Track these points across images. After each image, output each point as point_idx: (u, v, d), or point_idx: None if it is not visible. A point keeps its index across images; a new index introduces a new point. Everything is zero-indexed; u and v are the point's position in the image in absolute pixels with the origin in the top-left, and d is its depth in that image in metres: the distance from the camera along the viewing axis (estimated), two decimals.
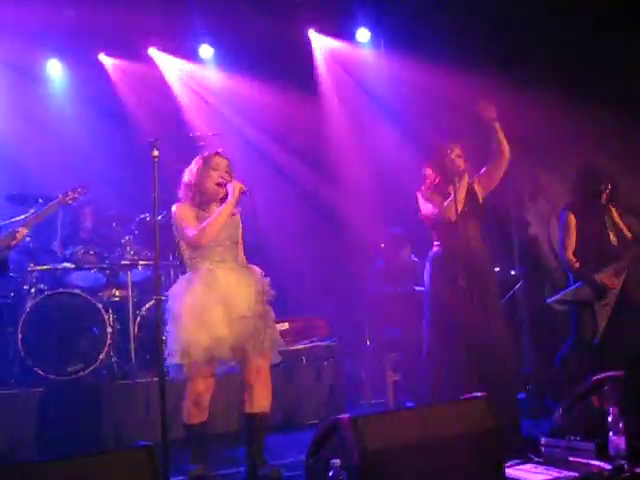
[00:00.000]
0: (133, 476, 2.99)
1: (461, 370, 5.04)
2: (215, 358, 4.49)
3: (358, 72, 8.97)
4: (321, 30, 9.02)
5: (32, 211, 6.40)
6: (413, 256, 7.61)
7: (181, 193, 4.69)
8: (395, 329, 7.23)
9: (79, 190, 5.32)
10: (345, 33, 8.99)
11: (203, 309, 4.46)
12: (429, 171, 5.44)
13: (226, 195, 4.63)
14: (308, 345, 6.96)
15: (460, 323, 5.10)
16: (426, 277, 5.46)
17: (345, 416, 3.45)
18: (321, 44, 9.04)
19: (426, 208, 5.42)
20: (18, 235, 4.85)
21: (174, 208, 4.65)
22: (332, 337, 7.21)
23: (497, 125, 5.30)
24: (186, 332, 4.43)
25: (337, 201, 8.62)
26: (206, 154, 4.74)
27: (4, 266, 4.99)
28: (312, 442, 3.64)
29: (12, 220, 6.29)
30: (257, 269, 4.77)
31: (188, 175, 4.69)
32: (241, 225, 4.82)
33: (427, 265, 5.46)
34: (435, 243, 5.46)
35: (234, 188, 4.60)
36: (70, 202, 5.33)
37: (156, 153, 4.15)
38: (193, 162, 4.72)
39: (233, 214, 4.69)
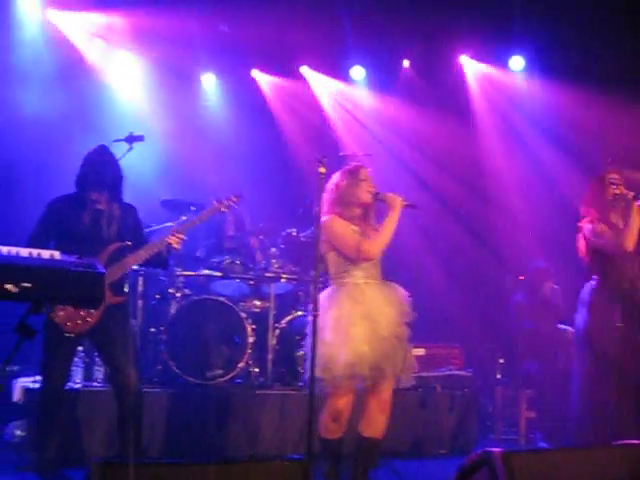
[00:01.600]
0: None
1: (615, 414, 4.84)
2: (355, 375, 4.41)
3: (511, 98, 8.89)
4: (474, 56, 9.00)
5: (183, 217, 6.62)
6: (556, 286, 7.41)
7: (327, 207, 4.65)
8: (533, 365, 7.04)
9: (233, 199, 5.35)
10: (498, 60, 8.93)
11: (348, 324, 4.42)
12: (591, 202, 5.26)
13: (369, 206, 4.67)
14: (443, 373, 6.86)
15: (614, 365, 4.90)
16: (581, 315, 5.27)
17: (497, 450, 3.36)
18: (473, 69, 9.01)
19: (596, 239, 5.16)
20: (174, 240, 4.96)
21: (327, 220, 4.62)
22: (467, 367, 7.09)
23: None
24: (328, 346, 4.39)
25: (483, 229, 8.52)
26: (352, 167, 4.73)
27: (164, 262, 5.13)
28: (459, 472, 3.55)
29: (164, 225, 6.57)
30: (401, 289, 4.72)
31: (335, 190, 4.67)
32: None
33: (584, 302, 5.26)
34: (594, 279, 5.26)
35: (395, 201, 4.60)
36: (224, 210, 5.37)
37: (322, 170, 4.19)
38: (336, 177, 4.70)
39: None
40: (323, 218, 4.62)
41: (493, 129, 8.83)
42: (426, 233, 8.50)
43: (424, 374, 6.71)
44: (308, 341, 4.53)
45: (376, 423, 4.57)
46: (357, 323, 4.44)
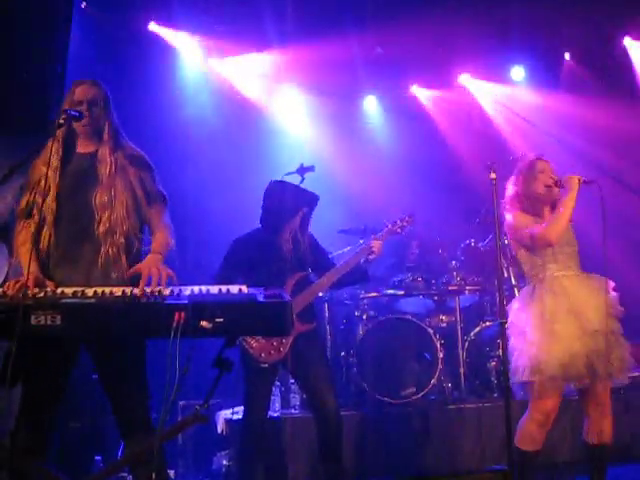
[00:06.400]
0: None
1: None
2: (569, 375, 4.19)
3: None
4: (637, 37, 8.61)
5: (361, 241, 6.72)
6: None
7: (509, 206, 4.57)
8: None
9: (406, 219, 5.46)
10: None
11: (553, 320, 4.23)
12: None
13: (550, 199, 4.50)
14: None
15: None
16: None
17: None
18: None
19: None
20: (375, 249, 5.11)
21: (508, 217, 4.53)
22: None
23: None
24: (535, 346, 4.20)
25: None
26: (528, 160, 4.61)
27: (364, 275, 5.28)
28: None
29: (343, 251, 6.67)
30: (605, 279, 4.41)
31: (513, 186, 4.59)
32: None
33: None
34: None
35: (570, 181, 4.39)
36: (399, 231, 5.48)
37: (493, 176, 4.14)
38: (516, 172, 4.63)
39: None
40: (506, 217, 4.54)
41: None
42: (619, 223, 8.13)
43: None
44: (509, 346, 4.37)
45: (600, 429, 4.32)
46: (562, 319, 4.23)
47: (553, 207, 4.51)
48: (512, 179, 4.64)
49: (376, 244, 5.12)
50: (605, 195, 4.25)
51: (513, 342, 4.37)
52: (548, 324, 4.22)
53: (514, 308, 4.52)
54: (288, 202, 5.03)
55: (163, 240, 3.67)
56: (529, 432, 4.29)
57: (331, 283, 5.06)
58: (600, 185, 4.35)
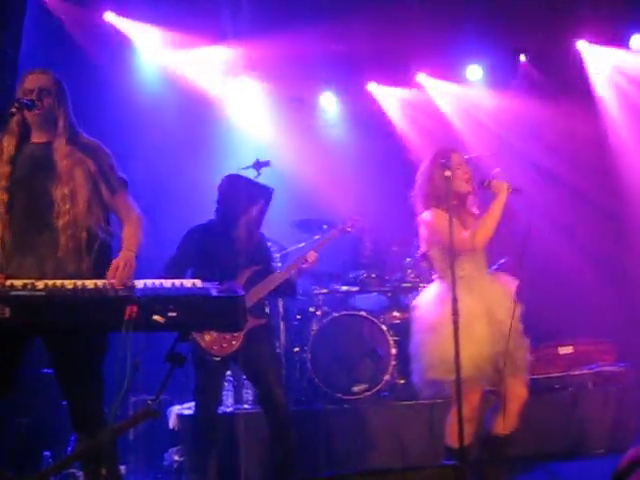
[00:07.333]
0: None
1: None
2: (479, 377, 4.20)
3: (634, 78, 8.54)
4: (592, 40, 8.69)
5: (316, 237, 6.73)
6: None
7: (421, 202, 4.51)
8: None
9: (356, 218, 5.57)
10: (619, 40, 8.57)
11: (471, 320, 4.17)
12: None
13: (470, 194, 4.48)
14: (594, 370, 6.59)
15: None
16: None
17: None
18: (593, 54, 8.70)
19: None
20: (309, 258, 5.13)
21: (426, 215, 4.44)
22: (620, 362, 6.79)
23: None
24: (449, 343, 4.01)
25: (623, 213, 8.18)
26: (442, 154, 4.43)
27: (293, 289, 5.31)
28: (615, 474, 3.36)
29: (297, 247, 6.69)
30: (508, 277, 4.46)
31: (427, 182, 4.48)
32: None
33: None
34: None
35: (499, 186, 4.32)
36: (349, 230, 5.58)
37: (448, 173, 4.16)
38: (426, 167, 4.53)
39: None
40: (422, 214, 4.48)
41: (621, 112, 8.48)
42: (562, 225, 8.25)
43: (573, 372, 6.52)
44: (415, 341, 4.43)
45: (511, 424, 4.30)
46: (477, 319, 4.21)
47: (462, 204, 4.48)
48: (425, 173, 4.54)
49: (311, 255, 5.15)
50: (538, 202, 4.29)
51: (422, 337, 4.36)
52: (466, 324, 4.10)
53: (425, 301, 4.50)
54: (243, 195, 5.01)
55: (133, 235, 3.66)
56: (456, 429, 4.13)
57: (277, 284, 5.05)
58: (526, 194, 4.42)
